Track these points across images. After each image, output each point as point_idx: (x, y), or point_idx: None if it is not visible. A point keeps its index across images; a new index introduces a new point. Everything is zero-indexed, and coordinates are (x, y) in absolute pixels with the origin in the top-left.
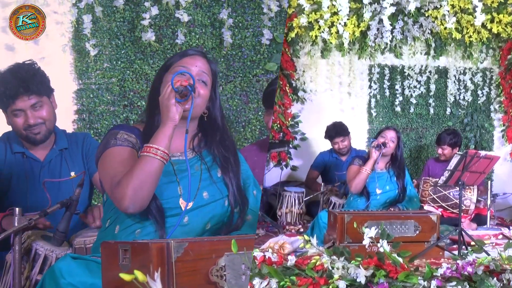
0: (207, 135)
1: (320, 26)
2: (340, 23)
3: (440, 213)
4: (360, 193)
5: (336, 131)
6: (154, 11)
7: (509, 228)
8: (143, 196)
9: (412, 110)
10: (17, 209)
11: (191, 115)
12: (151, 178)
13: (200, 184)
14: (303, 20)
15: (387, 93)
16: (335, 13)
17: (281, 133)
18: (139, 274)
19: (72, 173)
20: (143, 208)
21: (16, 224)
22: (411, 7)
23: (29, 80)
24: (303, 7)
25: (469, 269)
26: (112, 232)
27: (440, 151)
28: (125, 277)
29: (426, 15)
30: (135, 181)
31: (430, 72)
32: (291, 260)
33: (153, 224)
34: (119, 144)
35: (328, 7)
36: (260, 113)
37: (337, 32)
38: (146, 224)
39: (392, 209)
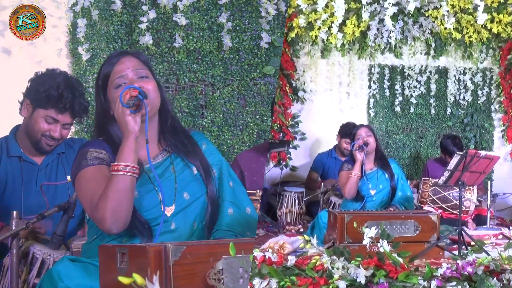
0: (162, 125)
1: (319, 26)
2: (336, 25)
3: (440, 214)
4: (355, 198)
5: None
6: (152, 14)
7: (509, 228)
8: (123, 214)
9: (412, 110)
10: (14, 212)
11: (150, 113)
12: (126, 196)
13: (177, 185)
14: (302, 21)
15: (387, 93)
16: (334, 13)
17: (281, 133)
18: (137, 277)
19: (68, 177)
20: (126, 225)
21: (13, 228)
22: (411, 7)
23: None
24: (301, 7)
25: (469, 269)
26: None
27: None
28: (124, 280)
29: (426, 15)
30: (112, 202)
31: (430, 72)
32: (291, 260)
33: (140, 239)
34: (90, 164)
35: (327, 7)
36: (257, 116)
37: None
38: (134, 240)
39: (391, 209)
